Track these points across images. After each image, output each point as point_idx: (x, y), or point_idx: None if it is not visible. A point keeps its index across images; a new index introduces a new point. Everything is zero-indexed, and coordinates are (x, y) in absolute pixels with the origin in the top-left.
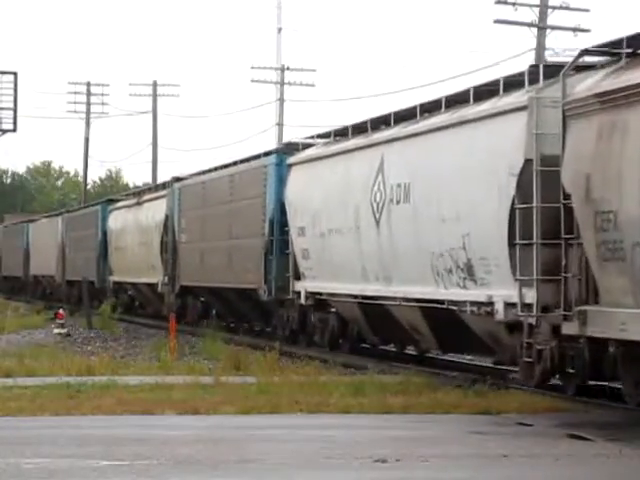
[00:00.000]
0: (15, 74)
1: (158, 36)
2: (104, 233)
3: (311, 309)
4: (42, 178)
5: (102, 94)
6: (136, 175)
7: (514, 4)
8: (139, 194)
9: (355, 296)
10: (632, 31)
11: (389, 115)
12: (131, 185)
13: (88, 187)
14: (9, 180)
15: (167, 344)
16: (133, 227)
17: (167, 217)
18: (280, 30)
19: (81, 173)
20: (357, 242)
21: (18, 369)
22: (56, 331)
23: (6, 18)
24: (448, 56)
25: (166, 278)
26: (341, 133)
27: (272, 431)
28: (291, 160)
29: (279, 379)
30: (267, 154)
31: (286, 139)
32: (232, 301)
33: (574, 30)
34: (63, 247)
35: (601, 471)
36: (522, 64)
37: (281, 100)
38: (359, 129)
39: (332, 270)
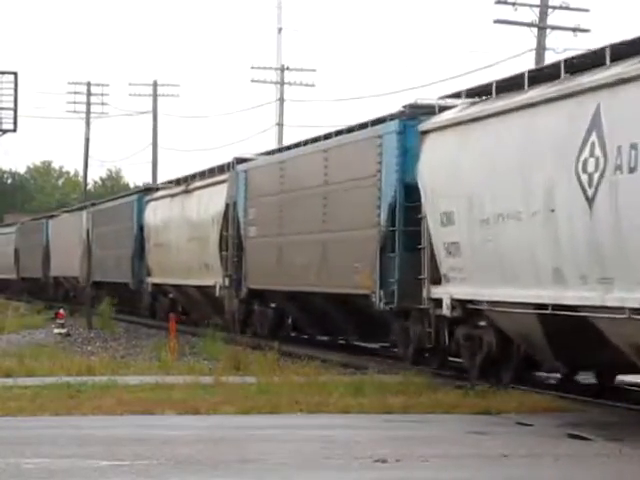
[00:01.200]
0: (15, 74)
1: (158, 36)
2: (140, 228)
3: (455, 323)
4: (42, 178)
5: (102, 94)
6: (136, 175)
7: (514, 4)
8: (186, 180)
9: (539, 305)
10: (628, 33)
11: (603, 50)
12: (131, 185)
13: (88, 187)
14: (9, 180)
15: (167, 344)
16: (179, 220)
17: (227, 207)
18: (280, 30)
19: (81, 173)
20: (549, 231)
21: (18, 369)
22: (56, 331)
23: (6, 18)
24: (448, 56)
25: (226, 280)
26: (504, 87)
27: (272, 431)
28: (426, 126)
29: (279, 379)
30: (381, 120)
31: (286, 139)
32: (323, 310)
33: (574, 30)
34: (89, 245)
35: (601, 471)
36: (522, 64)
37: (281, 100)
38: (537, 78)
39: (501, 271)
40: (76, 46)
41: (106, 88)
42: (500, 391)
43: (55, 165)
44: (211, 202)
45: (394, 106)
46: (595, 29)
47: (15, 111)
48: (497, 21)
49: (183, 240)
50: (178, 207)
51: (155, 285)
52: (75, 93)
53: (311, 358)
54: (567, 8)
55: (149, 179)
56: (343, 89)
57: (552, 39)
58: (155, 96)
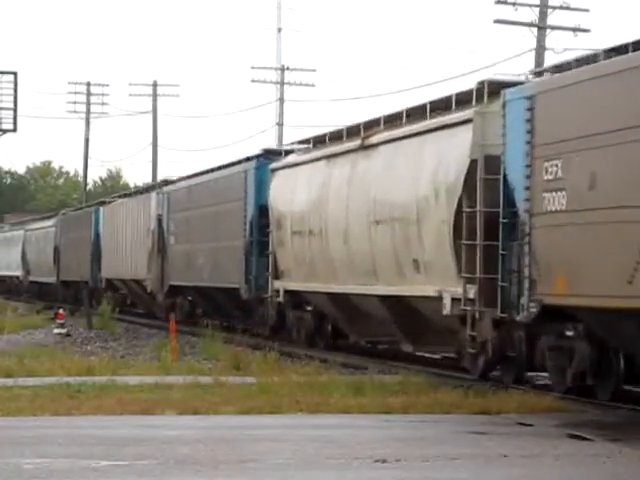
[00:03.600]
0: (15, 74)
1: (158, 36)
2: (260, 209)
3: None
4: (42, 178)
5: (102, 94)
6: (136, 175)
7: (514, 4)
8: (341, 136)
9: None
10: (628, 33)
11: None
12: (132, 185)
13: (88, 187)
14: (9, 180)
15: (167, 344)
16: (348, 193)
17: (473, 165)
18: (280, 30)
19: (81, 173)
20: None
21: (18, 369)
22: (56, 331)
23: (6, 18)
24: (448, 56)
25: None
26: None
27: (272, 431)
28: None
29: (279, 379)
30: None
31: (286, 140)
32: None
33: (574, 30)
34: (160, 238)
35: (601, 471)
36: (522, 64)
37: (281, 100)
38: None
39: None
40: (76, 46)
41: (106, 88)
42: (500, 391)
43: (55, 165)
44: (435, 159)
45: (394, 106)
46: (595, 29)
47: (15, 111)
48: (497, 21)
49: (359, 225)
50: (343, 174)
51: (291, 293)
52: (75, 93)
53: (311, 358)
54: (567, 8)
55: (149, 179)
56: (343, 89)
57: (552, 39)
58: (155, 96)
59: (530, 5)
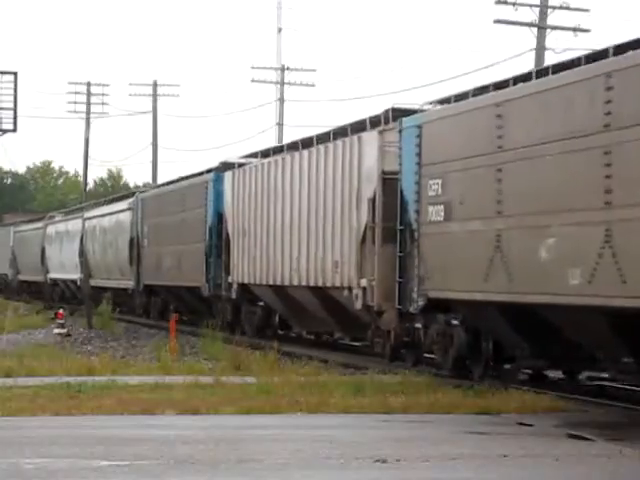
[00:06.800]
0: (15, 74)
1: (158, 36)
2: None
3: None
4: (42, 178)
5: (102, 94)
6: (136, 175)
7: (514, 4)
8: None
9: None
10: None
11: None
12: (132, 185)
13: (88, 187)
14: (9, 180)
15: (167, 344)
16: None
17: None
18: (280, 30)
19: (81, 173)
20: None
21: (18, 369)
22: (56, 331)
23: (6, 18)
24: (448, 56)
25: None
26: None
27: (272, 431)
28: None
29: (279, 379)
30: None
31: (286, 139)
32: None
33: (574, 30)
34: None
35: (601, 471)
36: (522, 64)
37: (281, 100)
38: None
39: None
40: (76, 46)
41: (106, 88)
42: (500, 391)
43: (55, 165)
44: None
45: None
46: (595, 29)
47: (15, 111)
48: (497, 21)
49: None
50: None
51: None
52: (75, 93)
53: (311, 358)
54: (567, 8)
55: (149, 179)
56: (343, 89)
57: (552, 39)
58: (155, 96)
59: (530, 5)
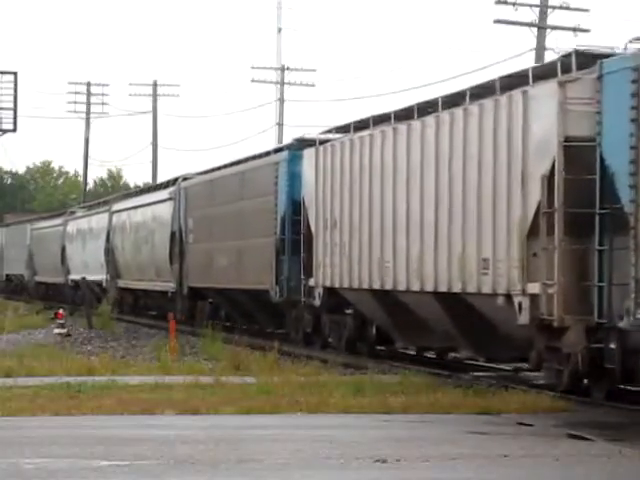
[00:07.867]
0: (15, 74)
1: (158, 36)
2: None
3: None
4: (42, 178)
5: (102, 94)
6: (136, 175)
7: (514, 4)
8: None
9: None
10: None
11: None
12: (132, 185)
13: (88, 187)
14: (9, 180)
15: (167, 344)
16: None
17: None
18: (280, 30)
19: (81, 173)
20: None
21: (18, 369)
22: (56, 331)
23: (6, 18)
24: (448, 56)
25: None
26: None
27: (272, 431)
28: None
29: (279, 379)
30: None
31: (286, 139)
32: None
33: (574, 30)
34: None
35: (601, 471)
36: (522, 64)
37: (281, 100)
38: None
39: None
40: (76, 46)
41: (106, 88)
42: (500, 391)
43: (55, 165)
44: None
45: (394, 106)
46: (595, 29)
47: (15, 111)
48: (497, 21)
49: None
50: None
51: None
52: (75, 93)
53: (311, 358)
54: (567, 8)
55: (149, 179)
56: (343, 89)
57: (552, 39)
58: (155, 96)
59: (530, 5)
